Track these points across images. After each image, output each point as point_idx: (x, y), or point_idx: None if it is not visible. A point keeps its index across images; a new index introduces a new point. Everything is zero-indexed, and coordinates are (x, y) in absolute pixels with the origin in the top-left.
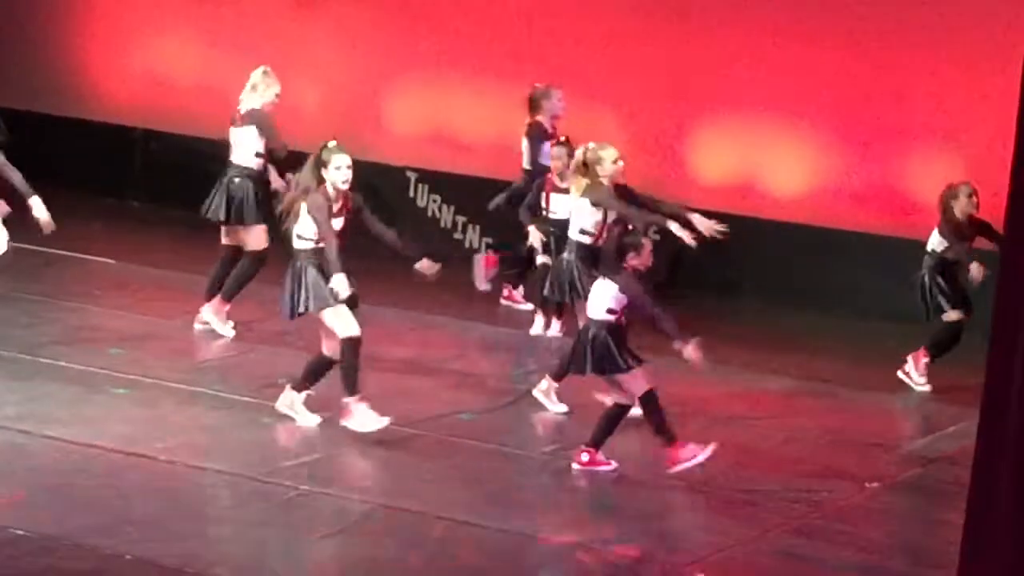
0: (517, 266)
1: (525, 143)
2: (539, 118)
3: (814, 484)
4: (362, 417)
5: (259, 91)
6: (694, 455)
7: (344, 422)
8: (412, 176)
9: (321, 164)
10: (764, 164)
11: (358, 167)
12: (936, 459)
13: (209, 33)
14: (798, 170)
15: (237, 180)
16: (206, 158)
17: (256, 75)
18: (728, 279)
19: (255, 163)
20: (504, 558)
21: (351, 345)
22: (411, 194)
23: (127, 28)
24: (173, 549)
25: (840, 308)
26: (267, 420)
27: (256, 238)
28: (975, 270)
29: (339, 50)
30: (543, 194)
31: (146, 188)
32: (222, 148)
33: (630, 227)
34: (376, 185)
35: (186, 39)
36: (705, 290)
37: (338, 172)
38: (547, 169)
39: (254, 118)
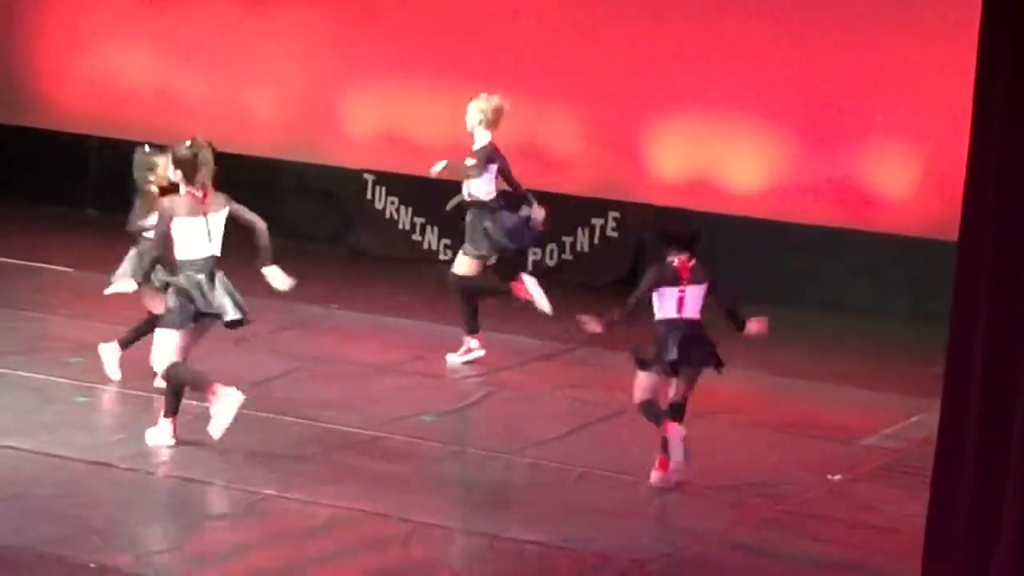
0: None
1: None
2: None
3: (775, 478)
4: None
5: None
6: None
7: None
8: (369, 178)
9: None
10: (720, 160)
11: (315, 170)
12: (898, 450)
13: (162, 39)
14: (754, 165)
15: None
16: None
17: None
18: None
19: None
20: (467, 558)
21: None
22: (368, 196)
23: (80, 36)
24: (137, 557)
25: (798, 302)
26: None
27: None
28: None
29: (293, 53)
30: None
31: (101, 197)
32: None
33: None
34: (333, 188)
35: (139, 46)
36: None
37: None
38: None
39: None
